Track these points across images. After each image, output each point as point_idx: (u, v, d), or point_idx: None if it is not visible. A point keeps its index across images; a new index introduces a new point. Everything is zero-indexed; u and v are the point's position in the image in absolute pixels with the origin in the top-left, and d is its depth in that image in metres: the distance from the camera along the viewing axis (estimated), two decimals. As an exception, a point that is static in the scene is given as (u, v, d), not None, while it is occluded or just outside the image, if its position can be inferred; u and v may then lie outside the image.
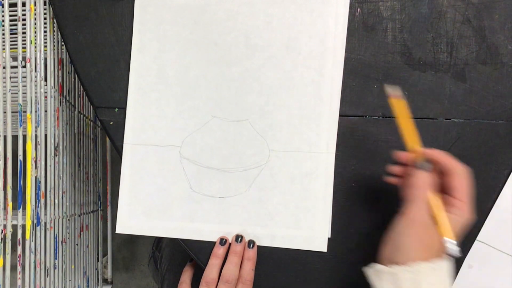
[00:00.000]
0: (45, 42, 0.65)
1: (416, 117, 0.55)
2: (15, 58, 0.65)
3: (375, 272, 0.45)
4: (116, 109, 0.57)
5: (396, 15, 0.55)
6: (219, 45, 0.56)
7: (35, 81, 0.64)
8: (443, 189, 0.46)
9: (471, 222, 0.45)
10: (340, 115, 0.55)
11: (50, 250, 0.69)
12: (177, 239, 0.56)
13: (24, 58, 0.62)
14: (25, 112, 0.62)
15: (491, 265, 0.55)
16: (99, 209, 1.13)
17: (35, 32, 0.62)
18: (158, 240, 0.83)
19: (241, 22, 0.56)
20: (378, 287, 0.44)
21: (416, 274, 0.42)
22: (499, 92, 0.54)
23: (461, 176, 0.45)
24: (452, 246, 0.43)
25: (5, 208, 0.62)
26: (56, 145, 0.70)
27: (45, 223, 0.68)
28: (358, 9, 0.55)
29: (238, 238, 0.55)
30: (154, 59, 0.57)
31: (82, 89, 0.83)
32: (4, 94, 0.61)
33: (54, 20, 0.62)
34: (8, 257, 0.61)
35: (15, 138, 0.60)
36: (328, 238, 0.55)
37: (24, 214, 0.63)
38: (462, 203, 0.45)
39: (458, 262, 0.55)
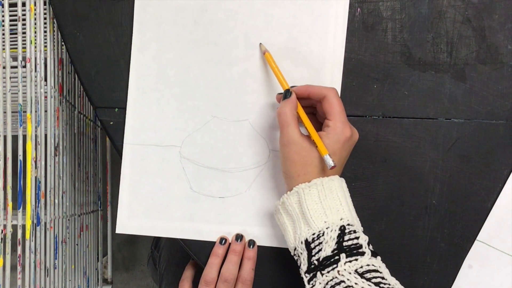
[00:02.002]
0: (45, 42, 0.65)
1: (416, 117, 0.55)
2: (15, 58, 0.65)
3: (275, 209, 0.51)
4: (116, 109, 0.57)
5: (396, 15, 0.55)
6: (219, 45, 0.56)
7: (35, 81, 0.64)
8: (323, 116, 0.50)
9: (350, 135, 0.47)
10: (340, 115, 0.55)
11: (50, 250, 0.69)
12: (177, 239, 0.56)
13: (24, 58, 0.62)
14: (25, 112, 0.62)
15: (491, 265, 0.55)
16: (99, 209, 1.13)
17: (35, 32, 0.62)
18: (157, 240, 0.83)
19: (241, 22, 0.56)
20: (280, 222, 0.50)
21: (299, 195, 0.47)
22: (499, 92, 0.54)
23: (328, 99, 0.48)
24: (327, 160, 0.46)
25: (5, 208, 0.62)
26: (56, 145, 0.70)
27: (45, 223, 0.68)
28: (358, 9, 0.55)
29: (238, 237, 0.55)
30: (154, 59, 0.57)
31: (82, 89, 0.83)
32: (4, 94, 0.61)
33: (54, 20, 0.63)
34: (8, 257, 0.61)
35: (15, 138, 0.60)
36: (328, 238, 0.55)
37: (24, 214, 0.63)
38: (333, 122, 0.47)
39: (458, 262, 0.55)
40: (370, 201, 0.56)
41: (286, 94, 0.50)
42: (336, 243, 0.44)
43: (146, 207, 0.57)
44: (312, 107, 0.52)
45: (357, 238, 0.45)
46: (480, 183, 0.55)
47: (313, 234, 0.45)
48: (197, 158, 0.56)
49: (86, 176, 0.94)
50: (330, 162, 0.46)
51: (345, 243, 0.44)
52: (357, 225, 0.47)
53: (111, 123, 0.57)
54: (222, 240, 0.55)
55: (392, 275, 0.45)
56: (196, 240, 0.56)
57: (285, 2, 0.55)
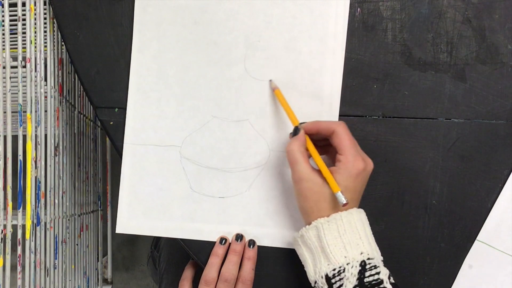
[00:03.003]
0: (45, 42, 0.65)
1: (416, 117, 0.55)
2: (15, 58, 0.65)
3: (294, 240, 0.51)
4: (116, 109, 0.57)
5: (396, 15, 0.55)
6: (219, 45, 0.56)
7: (35, 81, 0.64)
8: (335, 151, 0.49)
9: (362, 167, 0.47)
10: (340, 115, 0.55)
11: (50, 250, 0.69)
12: (177, 239, 0.56)
13: (24, 58, 0.62)
14: (25, 112, 0.62)
15: (491, 265, 0.55)
16: (99, 209, 1.13)
17: (35, 32, 0.62)
18: (157, 240, 0.83)
19: (241, 22, 0.56)
20: (299, 252, 0.50)
21: (318, 229, 0.47)
22: (499, 92, 0.54)
23: (338, 133, 0.48)
24: (339, 197, 0.46)
25: (5, 208, 0.62)
26: (56, 145, 0.70)
27: (45, 223, 0.68)
28: (358, 9, 0.55)
29: (238, 237, 0.55)
30: (154, 59, 0.57)
31: (82, 89, 0.83)
32: (4, 94, 0.61)
33: (54, 20, 0.63)
34: (8, 257, 0.61)
35: (15, 138, 0.60)
36: (328, 238, 0.55)
37: (24, 214, 0.63)
38: (344, 156, 0.47)
39: (458, 262, 0.55)
40: (370, 201, 0.56)
41: (295, 131, 0.50)
42: (357, 279, 0.44)
43: (146, 207, 0.57)
44: (327, 140, 0.51)
45: (378, 273, 0.45)
46: (480, 183, 0.55)
47: (334, 269, 0.45)
48: (197, 158, 0.56)
49: (86, 176, 0.94)
50: (342, 199, 0.45)
51: (366, 279, 0.44)
52: (377, 257, 0.46)
53: (111, 123, 0.57)
54: (222, 240, 0.55)
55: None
56: (196, 240, 0.56)
57: (285, 2, 0.55)
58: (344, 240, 0.46)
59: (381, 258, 0.47)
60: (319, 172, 0.48)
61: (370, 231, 0.48)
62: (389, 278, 0.45)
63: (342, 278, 0.45)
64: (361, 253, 0.45)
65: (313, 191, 0.47)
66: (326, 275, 0.45)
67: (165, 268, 0.73)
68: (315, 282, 0.47)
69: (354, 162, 0.47)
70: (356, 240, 0.46)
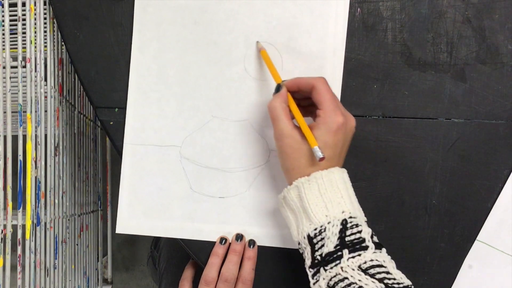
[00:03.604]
0: (45, 42, 0.65)
1: (416, 117, 0.55)
2: (15, 58, 0.65)
3: (278, 203, 0.50)
4: (116, 109, 0.57)
5: (396, 15, 0.55)
6: (219, 45, 0.56)
7: (35, 81, 0.64)
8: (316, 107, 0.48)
9: (342, 121, 0.46)
10: (340, 115, 0.55)
11: (50, 250, 0.69)
12: (177, 239, 0.56)
13: (24, 58, 0.62)
14: (25, 112, 0.62)
15: (491, 265, 0.55)
16: (99, 209, 1.13)
17: (35, 32, 0.62)
18: (156, 240, 0.83)
19: (241, 22, 0.56)
20: (283, 215, 0.50)
21: (299, 189, 0.46)
22: (499, 92, 0.54)
23: (317, 88, 0.47)
24: (316, 152, 0.45)
25: (5, 208, 0.62)
26: (56, 145, 0.70)
27: (45, 223, 0.68)
28: (358, 9, 0.55)
29: (238, 237, 0.55)
30: (154, 59, 0.57)
31: (82, 89, 0.83)
32: (4, 94, 0.61)
33: (54, 20, 0.63)
34: (8, 257, 0.61)
35: (15, 138, 0.60)
36: (328, 238, 0.55)
37: (24, 214, 0.63)
38: (323, 111, 0.46)
39: (458, 262, 0.55)
40: (370, 201, 0.56)
41: (277, 88, 0.50)
42: (338, 239, 0.44)
43: (146, 207, 0.57)
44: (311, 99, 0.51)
45: (359, 232, 0.44)
46: (480, 183, 0.55)
47: (315, 229, 0.45)
48: (197, 158, 0.56)
49: (86, 176, 0.94)
50: (318, 153, 0.45)
51: (347, 238, 0.44)
52: (359, 216, 0.46)
53: (111, 123, 0.57)
54: (222, 240, 0.55)
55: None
56: (196, 240, 0.56)
57: (285, 2, 0.55)
58: (325, 198, 0.45)
59: (365, 218, 0.47)
60: (300, 129, 0.47)
61: (353, 191, 0.48)
62: (371, 237, 0.45)
63: (323, 238, 0.44)
64: (343, 212, 0.45)
65: (293, 148, 0.47)
66: (308, 235, 0.45)
67: (165, 268, 0.73)
68: (299, 243, 0.47)
69: (334, 117, 0.46)
70: (338, 199, 0.45)
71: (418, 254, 0.55)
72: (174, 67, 0.56)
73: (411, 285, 0.43)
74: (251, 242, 0.55)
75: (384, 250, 0.45)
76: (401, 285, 0.42)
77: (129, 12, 0.57)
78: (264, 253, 0.56)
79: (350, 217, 0.45)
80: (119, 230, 0.57)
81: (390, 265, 0.44)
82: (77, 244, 0.87)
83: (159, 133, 0.57)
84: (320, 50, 0.55)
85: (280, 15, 0.56)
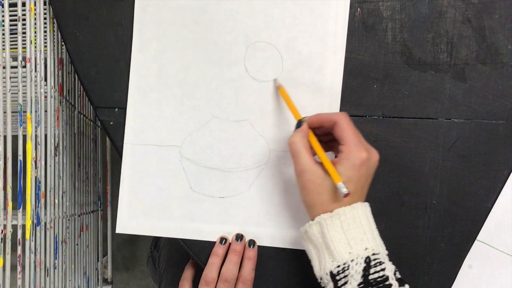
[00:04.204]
0: (45, 42, 0.65)
1: (416, 117, 0.55)
2: (15, 58, 0.65)
3: (301, 235, 0.50)
4: (116, 109, 0.57)
5: (396, 15, 0.55)
6: (219, 45, 0.56)
7: (35, 81, 0.64)
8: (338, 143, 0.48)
9: (366, 157, 0.46)
10: (340, 115, 0.55)
11: (50, 250, 0.69)
12: (177, 239, 0.56)
13: (24, 58, 0.62)
14: (25, 112, 0.62)
15: (491, 265, 0.55)
16: (99, 209, 1.13)
17: (35, 32, 0.62)
18: (156, 240, 0.83)
19: (241, 22, 0.56)
20: (304, 247, 0.49)
21: (321, 225, 0.46)
22: (499, 92, 0.54)
23: (340, 124, 0.47)
24: (341, 188, 0.44)
25: (5, 208, 0.62)
26: (56, 145, 0.70)
27: (45, 223, 0.68)
28: (358, 9, 0.55)
29: (238, 237, 0.55)
30: (154, 59, 0.57)
31: (82, 89, 0.83)
32: (4, 94, 0.61)
33: (54, 20, 0.62)
34: (8, 257, 0.61)
35: (15, 138, 0.60)
36: (328, 238, 0.55)
37: (24, 214, 0.63)
38: (346, 146, 0.46)
39: (458, 262, 0.55)
40: (370, 201, 0.55)
41: (298, 124, 0.50)
42: (362, 276, 0.43)
43: (146, 207, 0.57)
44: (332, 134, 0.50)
45: (383, 270, 0.44)
46: (480, 183, 0.55)
47: (338, 266, 0.44)
48: (197, 158, 0.56)
49: (86, 176, 0.94)
50: (343, 190, 0.44)
51: (371, 276, 0.44)
52: (382, 252, 0.46)
53: (111, 123, 0.57)
54: (222, 240, 0.55)
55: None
56: (196, 240, 0.56)
57: (285, 2, 0.55)
58: (348, 236, 0.45)
59: (386, 252, 0.46)
60: (321, 164, 0.47)
61: (375, 225, 0.47)
62: (394, 274, 0.44)
63: (346, 275, 0.44)
64: (366, 249, 0.44)
65: (315, 184, 0.46)
66: (331, 272, 0.45)
67: (164, 268, 0.73)
68: (321, 278, 0.47)
69: (357, 152, 0.46)
70: (361, 236, 0.45)
71: (418, 254, 0.55)
72: (174, 67, 0.56)
73: None
74: (251, 242, 0.55)
75: (407, 286, 0.45)
76: None
77: (129, 12, 0.57)
78: (264, 253, 0.56)
79: (374, 254, 0.44)
80: (119, 230, 0.57)
81: None
82: (77, 244, 0.87)
83: (159, 133, 0.57)
84: (320, 50, 0.55)
85: (280, 15, 0.56)
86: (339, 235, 0.45)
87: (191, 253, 0.56)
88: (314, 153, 0.49)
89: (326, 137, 0.51)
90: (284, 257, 0.56)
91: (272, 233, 0.56)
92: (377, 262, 0.44)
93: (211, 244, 0.55)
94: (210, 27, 0.56)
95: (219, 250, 0.55)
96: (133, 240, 1.39)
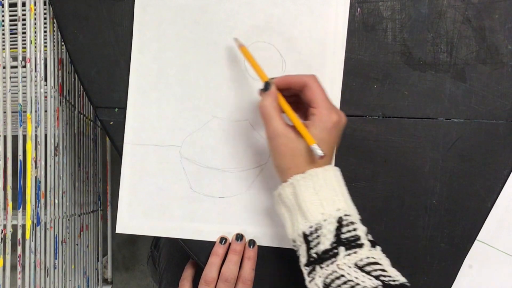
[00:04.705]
0: (45, 42, 0.65)
1: (416, 117, 0.55)
2: (15, 58, 0.65)
3: (274, 200, 0.50)
4: (116, 109, 0.57)
5: (396, 15, 0.55)
6: (219, 45, 0.56)
7: (35, 81, 0.64)
8: (308, 105, 0.48)
9: (337, 120, 0.46)
10: (340, 115, 0.55)
11: (50, 250, 0.69)
12: (177, 239, 0.56)
13: (24, 58, 0.62)
14: (25, 112, 0.62)
15: (491, 265, 0.55)
16: (99, 209, 1.13)
17: (35, 32, 0.62)
18: (156, 240, 0.83)
19: (241, 22, 0.56)
20: (278, 212, 0.49)
21: (294, 186, 0.46)
22: (499, 92, 0.54)
23: (310, 87, 0.47)
24: (316, 149, 0.45)
25: (5, 208, 0.62)
26: (56, 145, 0.70)
27: (45, 223, 0.68)
28: (358, 9, 0.55)
29: (238, 237, 0.55)
30: (154, 59, 0.57)
31: (82, 89, 0.83)
32: (4, 94, 0.61)
33: (54, 20, 0.63)
34: (8, 257, 0.61)
35: (15, 138, 0.60)
36: (328, 238, 0.55)
37: (24, 214, 0.63)
38: (318, 109, 0.46)
39: (458, 262, 0.55)
40: (370, 201, 0.56)
41: (266, 86, 0.49)
42: (334, 236, 0.44)
43: (146, 207, 0.57)
44: (296, 96, 0.50)
45: (355, 229, 0.44)
46: (480, 183, 0.55)
47: (310, 227, 0.44)
48: (197, 158, 0.56)
49: (86, 176, 0.94)
50: (318, 151, 0.44)
51: (343, 236, 0.44)
52: (354, 214, 0.46)
53: (111, 123, 0.57)
54: (222, 239, 0.55)
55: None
56: (196, 240, 0.56)
57: (285, 2, 0.55)
58: (321, 196, 0.45)
59: (359, 217, 0.46)
60: (293, 127, 0.47)
61: (346, 190, 0.47)
62: (366, 235, 0.45)
63: (319, 236, 0.44)
64: (338, 210, 0.44)
65: (288, 147, 0.46)
66: (304, 233, 0.45)
67: (164, 267, 0.73)
68: (294, 241, 0.47)
69: (329, 115, 0.46)
70: (333, 197, 0.45)
71: (418, 254, 0.55)
72: (174, 67, 0.56)
73: (406, 283, 0.43)
74: (251, 242, 0.55)
75: (379, 248, 0.45)
76: (396, 282, 0.42)
77: (129, 12, 0.57)
78: (264, 253, 0.56)
79: (346, 215, 0.44)
80: (119, 230, 0.57)
81: (385, 262, 0.44)
82: (77, 244, 0.87)
83: (159, 133, 0.57)
84: (320, 50, 0.55)
85: (280, 15, 0.56)
86: (312, 196, 0.45)
87: (191, 253, 0.56)
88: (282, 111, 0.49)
89: (291, 98, 0.51)
90: (284, 257, 0.56)
91: (272, 233, 0.56)
92: (349, 222, 0.44)
93: (211, 244, 0.55)
94: (210, 27, 0.56)
95: (219, 250, 0.55)
96: (133, 240, 1.39)
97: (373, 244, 0.44)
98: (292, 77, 0.49)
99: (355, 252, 0.43)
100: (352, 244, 0.43)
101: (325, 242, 0.44)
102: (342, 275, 0.42)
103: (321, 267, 0.44)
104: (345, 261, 0.43)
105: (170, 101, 0.57)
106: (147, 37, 0.57)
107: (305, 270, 0.45)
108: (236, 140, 0.56)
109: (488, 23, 0.54)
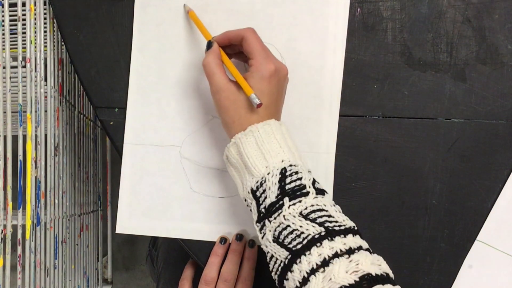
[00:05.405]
0: (45, 42, 0.65)
1: (416, 117, 0.55)
2: (15, 58, 0.64)
3: (225, 163, 0.50)
4: (116, 109, 0.57)
5: (396, 15, 0.55)
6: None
7: (35, 81, 0.64)
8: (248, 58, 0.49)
9: (274, 69, 0.47)
10: (340, 115, 0.55)
11: (50, 250, 0.69)
12: (177, 239, 0.56)
13: (24, 58, 0.62)
14: (25, 112, 0.62)
15: (491, 265, 0.55)
16: (99, 209, 1.13)
17: (35, 32, 0.62)
18: (155, 239, 0.83)
19: (241, 22, 0.56)
20: (231, 175, 0.49)
21: (237, 145, 0.46)
22: (499, 92, 0.54)
23: (247, 39, 0.48)
24: (253, 99, 0.45)
25: (5, 208, 0.62)
26: (56, 145, 0.70)
27: (45, 223, 0.68)
28: (358, 9, 0.55)
29: (238, 237, 0.55)
30: (154, 59, 0.57)
31: (82, 89, 0.83)
32: (4, 94, 0.61)
33: (54, 20, 0.62)
34: (8, 257, 0.61)
35: (15, 138, 0.60)
36: (328, 238, 0.55)
37: (24, 214, 0.63)
38: (254, 60, 0.47)
39: (458, 262, 0.55)
40: (370, 201, 0.56)
41: (209, 45, 0.50)
42: (278, 188, 0.43)
43: (146, 207, 0.57)
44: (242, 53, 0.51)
45: (299, 179, 0.44)
46: (480, 183, 0.55)
47: (257, 182, 0.44)
48: (197, 158, 0.56)
49: (86, 176, 0.94)
50: (255, 100, 0.45)
51: (287, 186, 0.43)
52: (301, 165, 0.45)
53: (111, 123, 0.57)
54: (222, 239, 0.55)
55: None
56: (196, 240, 0.56)
57: (286, 2, 0.55)
58: (263, 150, 0.45)
59: (308, 168, 0.46)
60: (236, 82, 0.48)
61: (293, 143, 0.47)
62: (313, 183, 0.44)
63: (265, 190, 0.44)
64: (282, 161, 0.44)
65: (231, 100, 0.47)
66: (252, 189, 0.45)
67: (162, 267, 0.73)
68: (245, 200, 0.47)
69: (265, 64, 0.46)
70: (276, 149, 0.45)
71: (418, 254, 0.55)
72: (174, 67, 0.56)
73: (354, 227, 0.43)
74: (251, 242, 0.55)
75: (327, 195, 0.45)
76: (342, 227, 0.42)
77: (129, 12, 0.57)
78: (264, 253, 0.55)
79: (290, 165, 0.44)
80: (119, 230, 0.57)
81: (332, 209, 0.43)
82: (77, 244, 0.87)
83: (159, 133, 0.57)
84: (320, 50, 0.55)
85: (280, 15, 0.56)
86: (255, 151, 0.45)
87: (191, 253, 0.56)
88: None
89: (237, 57, 0.52)
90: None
91: (272, 233, 0.56)
92: (293, 172, 0.44)
93: (211, 244, 0.55)
94: (210, 27, 0.56)
95: (219, 250, 0.55)
96: (133, 240, 1.39)
97: (321, 192, 0.44)
98: (231, 32, 0.50)
99: (299, 201, 0.43)
100: (297, 193, 0.43)
101: (271, 195, 0.44)
102: (288, 225, 0.42)
103: (270, 221, 0.43)
104: (289, 211, 0.42)
105: (170, 101, 0.56)
106: (147, 37, 0.57)
107: (257, 227, 0.45)
108: (236, 140, 0.56)
109: (488, 23, 0.54)
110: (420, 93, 0.55)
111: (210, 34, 0.52)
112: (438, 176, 0.55)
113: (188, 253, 0.56)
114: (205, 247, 0.56)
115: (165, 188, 0.56)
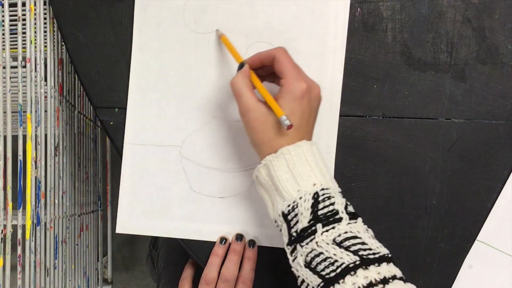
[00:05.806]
0: (45, 42, 0.65)
1: (416, 117, 0.55)
2: (15, 58, 0.65)
3: (254, 182, 0.49)
4: (116, 109, 0.57)
5: (396, 15, 0.55)
6: (219, 45, 0.56)
7: (35, 81, 0.64)
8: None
9: (305, 88, 0.46)
10: (340, 115, 0.55)
11: (50, 250, 0.69)
12: (177, 239, 0.56)
13: (24, 58, 0.62)
14: (25, 112, 0.62)
15: (491, 265, 0.55)
16: (99, 209, 1.13)
17: (35, 32, 0.62)
18: (155, 239, 0.83)
19: (241, 22, 0.56)
20: (260, 194, 0.49)
21: (268, 167, 0.45)
22: (499, 92, 0.54)
23: (278, 58, 0.47)
24: (284, 120, 0.44)
25: (5, 208, 0.62)
26: (56, 145, 0.70)
27: (45, 223, 0.68)
28: (358, 9, 0.55)
29: (238, 237, 0.55)
30: (154, 59, 0.57)
31: (82, 89, 0.83)
32: (4, 94, 0.61)
33: (54, 20, 0.63)
34: (8, 257, 0.61)
35: (15, 138, 0.60)
36: (328, 238, 0.55)
37: (24, 214, 0.63)
38: (285, 80, 0.46)
39: (458, 262, 0.55)
40: (370, 201, 0.56)
41: (240, 67, 0.50)
42: (311, 213, 0.43)
43: (146, 207, 0.57)
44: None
45: (332, 204, 0.43)
46: (480, 183, 0.55)
47: (288, 206, 0.44)
48: (197, 158, 0.56)
49: (86, 176, 0.94)
50: (286, 122, 0.44)
51: (320, 212, 0.43)
52: (332, 187, 0.45)
53: (111, 123, 0.57)
54: (223, 240, 0.55)
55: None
56: (196, 240, 0.56)
57: (286, 2, 0.55)
58: (295, 173, 0.44)
59: (339, 189, 0.45)
60: (265, 102, 0.47)
61: (324, 164, 0.46)
62: (346, 207, 0.44)
63: (297, 214, 0.43)
64: (314, 185, 0.44)
65: (260, 121, 0.46)
66: (283, 212, 0.44)
67: (163, 267, 0.73)
68: (276, 222, 0.47)
69: (297, 84, 0.45)
70: (308, 172, 0.44)
71: (418, 254, 0.55)
72: (174, 67, 0.56)
73: (388, 254, 0.42)
74: (251, 242, 0.55)
75: (360, 219, 0.44)
76: (376, 255, 0.41)
77: (129, 12, 0.57)
78: (264, 253, 0.56)
79: (322, 189, 0.44)
80: (119, 230, 0.57)
81: (365, 235, 0.43)
82: (77, 244, 0.87)
83: (159, 133, 0.57)
84: (320, 50, 0.55)
85: (280, 15, 0.56)
86: (286, 174, 0.44)
87: (191, 253, 0.56)
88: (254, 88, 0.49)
89: (269, 78, 0.51)
90: (284, 257, 0.55)
91: (272, 233, 0.56)
92: (326, 197, 0.43)
93: (211, 244, 0.55)
94: (210, 27, 0.56)
95: (219, 250, 0.55)
96: (133, 240, 1.39)
97: (354, 216, 0.44)
98: (262, 53, 0.49)
99: (332, 228, 0.42)
100: (330, 219, 0.43)
101: (303, 220, 0.43)
102: (321, 253, 0.42)
103: (301, 246, 0.43)
104: (323, 237, 0.42)
105: (170, 101, 0.57)
106: (147, 37, 0.57)
107: (288, 250, 0.45)
108: (236, 140, 0.56)
109: (488, 23, 0.54)
110: (420, 93, 0.55)
111: (242, 57, 0.51)
112: (438, 176, 0.55)
113: (188, 253, 0.56)
114: (205, 247, 0.56)
115: (165, 188, 0.56)
